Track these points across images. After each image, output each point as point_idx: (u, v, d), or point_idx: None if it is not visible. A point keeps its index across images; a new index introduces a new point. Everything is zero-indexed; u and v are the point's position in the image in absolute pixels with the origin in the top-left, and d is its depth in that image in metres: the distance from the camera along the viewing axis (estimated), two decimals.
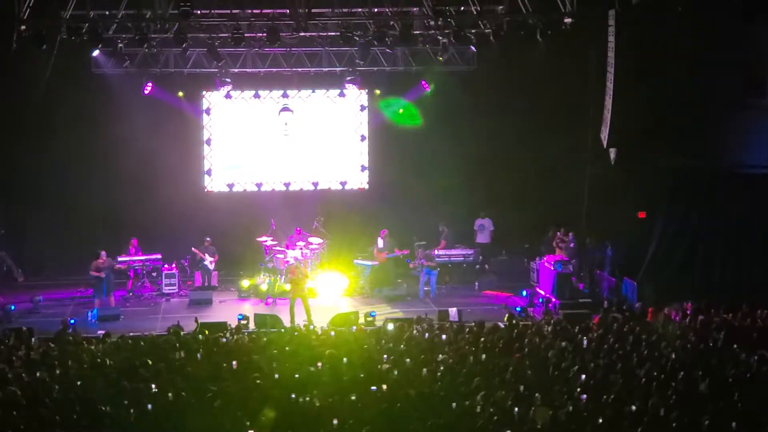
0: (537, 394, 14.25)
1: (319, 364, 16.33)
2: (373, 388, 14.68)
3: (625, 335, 18.36)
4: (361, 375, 15.50)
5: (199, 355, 17.03)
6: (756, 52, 23.11)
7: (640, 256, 24.46)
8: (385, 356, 16.72)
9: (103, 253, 24.37)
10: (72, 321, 21.28)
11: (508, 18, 23.03)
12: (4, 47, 21.91)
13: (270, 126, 28.35)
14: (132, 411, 13.73)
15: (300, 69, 26.98)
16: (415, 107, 28.56)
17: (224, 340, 18.69)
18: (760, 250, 23.52)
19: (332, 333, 19.51)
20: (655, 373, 15.52)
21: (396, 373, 15.66)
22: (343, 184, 29.18)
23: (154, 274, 26.44)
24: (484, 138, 27.94)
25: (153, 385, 14.88)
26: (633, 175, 23.97)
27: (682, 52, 22.32)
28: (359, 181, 29.26)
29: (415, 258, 26.33)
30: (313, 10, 23.10)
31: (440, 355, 16.89)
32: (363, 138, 29.13)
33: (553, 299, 24.12)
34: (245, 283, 25.97)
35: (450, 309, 22.55)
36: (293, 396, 14.28)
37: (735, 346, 17.44)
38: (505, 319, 20.69)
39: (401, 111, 28.82)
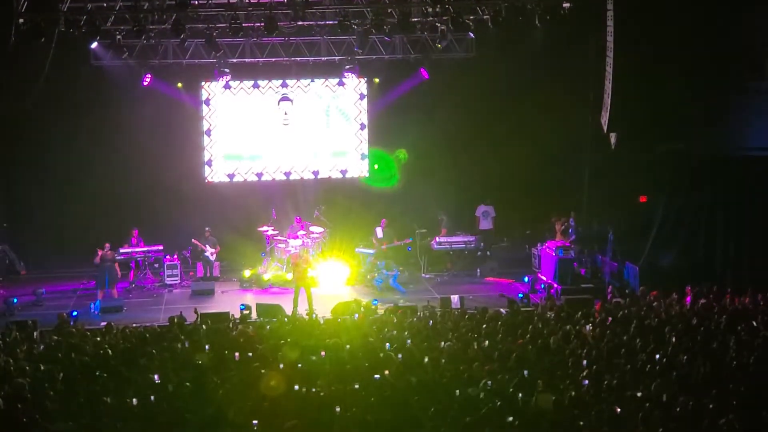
0: (539, 381, 14.25)
1: (323, 353, 16.37)
2: (376, 376, 14.71)
3: (627, 320, 18.37)
4: (366, 364, 15.52)
5: (207, 347, 17.03)
6: (756, 35, 23.04)
7: (641, 241, 24.45)
8: (387, 344, 16.72)
9: (107, 245, 24.43)
10: (74, 313, 21.37)
11: (506, 4, 22.99)
12: (2, 40, 21.87)
13: (270, 116, 28.34)
14: (135, 402, 13.75)
15: (299, 58, 26.99)
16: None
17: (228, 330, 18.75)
18: (762, 234, 23.50)
19: (336, 322, 19.53)
20: (658, 357, 15.54)
21: (398, 360, 15.67)
22: (343, 172, 29.16)
23: (156, 265, 26.49)
24: (484, 125, 27.94)
25: (156, 376, 14.92)
26: (634, 159, 23.94)
27: (682, 36, 22.28)
28: (359, 169, 29.24)
29: (376, 269, 25.89)
30: None
31: (442, 343, 16.90)
32: (363, 126, 29.08)
33: (555, 285, 24.14)
34: (247, 273, 26.00)
35: (452, 296, 22.56)
36: (296, 385, 14.31)
37: (738, 329, 17.43)
38: (507, 305, 20.72)
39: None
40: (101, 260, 24.26)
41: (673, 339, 16.64)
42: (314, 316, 21.00)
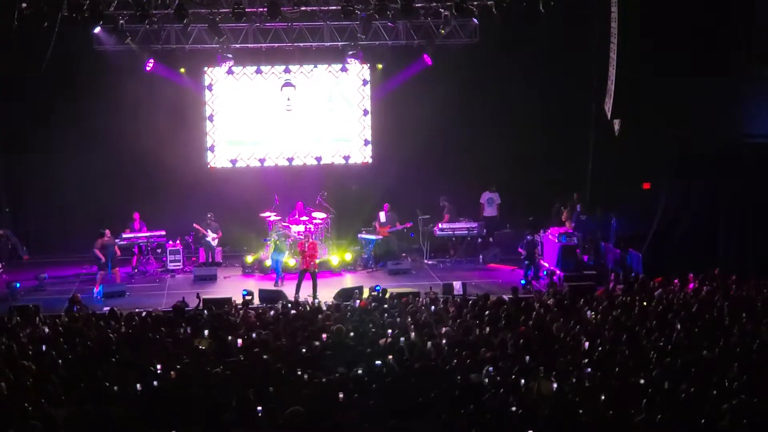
0: (541, 367, 14.26)
1: (324, 335, 16.40)
2: (378, 362, 14.71)
3: (630, 307, 18.36)
4: (368, 350, 15.54)
5: (206, 332, 17.03)
6: (760, 22, 22.95)
7: (645, 228, 24.43)
8: (390, 330, 16.73)
9: (107, 231, 24.38)
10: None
11: None
12: (5, 25, 21.82)
13: (272, 101, 28.30)
14: (138, 387, 13.76)
15: (302, 44, 26.88)
16: None
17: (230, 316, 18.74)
18: (766, 221, 23.46)
19: (337, 307, 19.52)
20: (661, 344, 15.54)
21: (401, 346, 15.68)
22: (346, 158, 29.14)
23: (159, 250, 26.51)
24: (487, 111, 27.90)
25: (158, 362, 14.91)
26: (637, 146, 23.90)
27: (686, 22, 22.21)
28: (362, 155, 29.21)
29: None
30: None
31: (444, 329, 16.91)
32: (366, 112, 29.05)
33: (558, 272, 24.11)
34: (249, 259, 26.02)
35: (455, 282, 22.56)
36: (299, 371, 14.32)
37: (741, 315, 17.39)
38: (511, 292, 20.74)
39: None
40: (102, 247, 24.15)
41: (677, 326, 16.62)
42: (316, 301, 21.01)
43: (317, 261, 23.45)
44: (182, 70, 27.68)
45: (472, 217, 27.74)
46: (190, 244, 26.96)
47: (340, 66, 28.10)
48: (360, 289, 22.13)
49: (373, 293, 21.75)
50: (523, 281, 23.43)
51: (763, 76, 23.00)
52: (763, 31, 22.99)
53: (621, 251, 24.73)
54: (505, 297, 20.20)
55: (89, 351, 15.72)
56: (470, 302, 19.30)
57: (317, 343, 16.01)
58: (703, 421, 12.02)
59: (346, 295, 21.63)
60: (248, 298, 21.36)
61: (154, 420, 12.35)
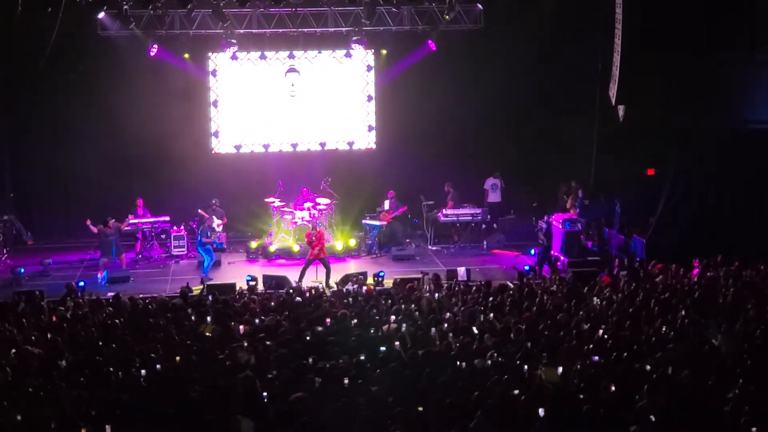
0: (545, 353, 14.28)
1: (328, 320, 16.43)
2: (383, 348, 14.75)
3: (633, 293, 18.36)
4: (372, 334, 15.56)
5: (209, 318, 17.06)
6: (765, 7, 22.88)
7: (649, 214, 24.42)
8: (393, 317, 16.75)
9: (112, 222, 24.33)
10: (81, 283, 21.37)
11: None
12: (10, 10, 21.79)
13: (277, 87, 28.21)
14: (142, 373, 13.79)
15: (306, 29, 26.81)
16: None
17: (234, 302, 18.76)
18: None
19: (341, 293, 19.56)
20: (664, 330, 15.56)
21: (404, 332, 15.71)
22: (350, 144, 29.10)
23: (163, 236, 26.53)
24: (492, 97, 27.82)
25: (162, 347, 14.94)
26: (641, 132, 23.85)
27: (691, 8, 22.14)
28: (366, 141, 29.19)
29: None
30: None
31: (448, 315, 16.93)
32: (370, 98, 29.00)
33: (562, 258, 24.11)
34: (254, 244, 26.03)
35: (458, 268, 22.57)
36: (303, 357, 14.35)
37: (745, 302, 17.39)
38: (517, 277, 20.73)
39: None
40: (101, 234, 24.09)
41: (681, 312, 16.63)
42: (320, 287, 21.02)
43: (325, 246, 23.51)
44: (186, 55, 27.59)
45: (476, 202, 27.71)
46: (194, 230, 26.97)
47: (344, 52, 28.01)
48: (364, 274, 22.12)
49: (377, 278, 21.82)
50: (527, 267, 23.40)
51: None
52: (767, 15, 22.91)
53: (625, 237, 24.75)
54: (509, 283, 20.20)
55: (93, 337, 15.75)
56: (474, 288, 19.32)
57: (320, 328, 16.04)
58: (705, 407, 12.06)
59: (349, 280, 21.64)
60: (252, 283, 21.40)
61: (159, 406, 12.38)
